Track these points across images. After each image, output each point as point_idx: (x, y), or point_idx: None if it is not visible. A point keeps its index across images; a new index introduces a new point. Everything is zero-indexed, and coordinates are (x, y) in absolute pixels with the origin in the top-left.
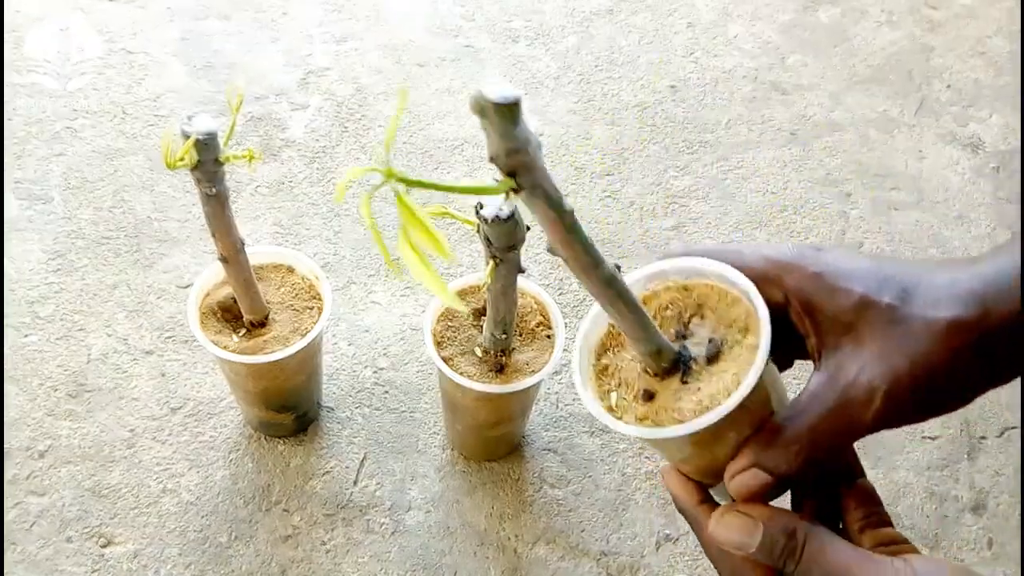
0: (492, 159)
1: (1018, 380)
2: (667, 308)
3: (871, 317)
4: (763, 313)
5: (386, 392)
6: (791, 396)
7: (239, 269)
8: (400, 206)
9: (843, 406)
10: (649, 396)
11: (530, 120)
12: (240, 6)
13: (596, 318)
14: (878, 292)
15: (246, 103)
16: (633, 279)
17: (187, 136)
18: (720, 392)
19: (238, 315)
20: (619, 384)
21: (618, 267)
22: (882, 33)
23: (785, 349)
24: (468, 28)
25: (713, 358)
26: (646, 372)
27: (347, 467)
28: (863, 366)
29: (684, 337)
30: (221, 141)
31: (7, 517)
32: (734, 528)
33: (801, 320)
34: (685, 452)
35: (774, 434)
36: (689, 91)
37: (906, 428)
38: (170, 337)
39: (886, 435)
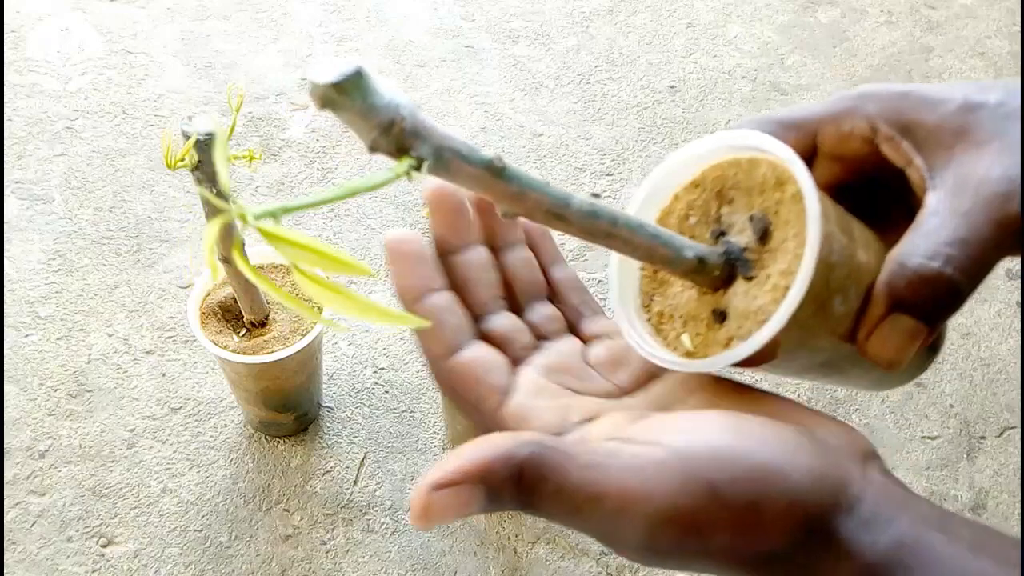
0: (372, 149)
1: (1017, 380)
2: (687, 216)
3: (982, 116)
4: (784, 151)
5: (386, 392)
6: None
7: (239, 269)
8: (272, 241)
9: (981, 206)
10: (722, 316)
11: (387, 84)
12: (240, 6)
13: (620, 270)
14: (980, 93)
15: (246, 103)
16: (632, 210)
17: (187, 136)
18: (794, 259)
19: (239, 315)
20: (684, 323)
21: (595, 195)
22: (881, 33)
23: (880, 203)
24: (468, 28)
25: (764, 235)
26: (705, 294)
27: (347, 467)
28: (990, 163)
29: (724, 234)
30: None
31: (7, 517)
32: (447, 509)
33: (895, 146)
34: (798, 344)
35: (902, 264)
36: (688, 91)
37: (905, 428)
38: (170, 337)
39: (886, 435)
